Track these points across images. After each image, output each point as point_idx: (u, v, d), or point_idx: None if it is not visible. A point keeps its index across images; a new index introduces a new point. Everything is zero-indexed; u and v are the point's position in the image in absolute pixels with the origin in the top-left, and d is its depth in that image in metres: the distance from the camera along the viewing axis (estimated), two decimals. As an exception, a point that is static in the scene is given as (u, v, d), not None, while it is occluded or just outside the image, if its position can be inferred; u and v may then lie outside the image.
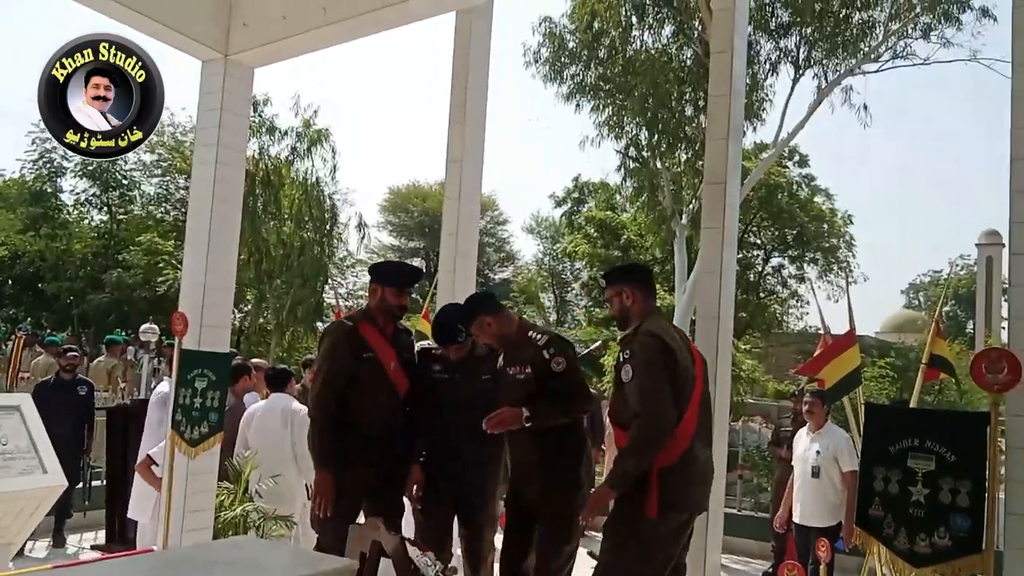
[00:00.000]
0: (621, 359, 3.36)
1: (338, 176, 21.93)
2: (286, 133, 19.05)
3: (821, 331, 5.88)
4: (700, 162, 16.02)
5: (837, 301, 26.37)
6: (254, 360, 7.48)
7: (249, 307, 19.39)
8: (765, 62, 16.49)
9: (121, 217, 24.07)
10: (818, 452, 5.88)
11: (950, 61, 16.23)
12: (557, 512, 3.77)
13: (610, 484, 3.34)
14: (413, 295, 4.30)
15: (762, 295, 26.22)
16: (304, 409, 5.95)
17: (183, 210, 23.91)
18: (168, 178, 24.79)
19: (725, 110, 4.36)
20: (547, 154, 66.81)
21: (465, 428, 3.91)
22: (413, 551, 3.14)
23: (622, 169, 17.85)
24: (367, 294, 4.21)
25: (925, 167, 75.00)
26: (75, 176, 23.37)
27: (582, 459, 3.87)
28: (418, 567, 3.09)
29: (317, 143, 19.01)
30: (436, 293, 5.61)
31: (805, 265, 26.18)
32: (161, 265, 20.03)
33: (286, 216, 18.96)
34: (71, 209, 24.02)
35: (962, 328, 40.95)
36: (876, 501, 3.05)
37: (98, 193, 24.14)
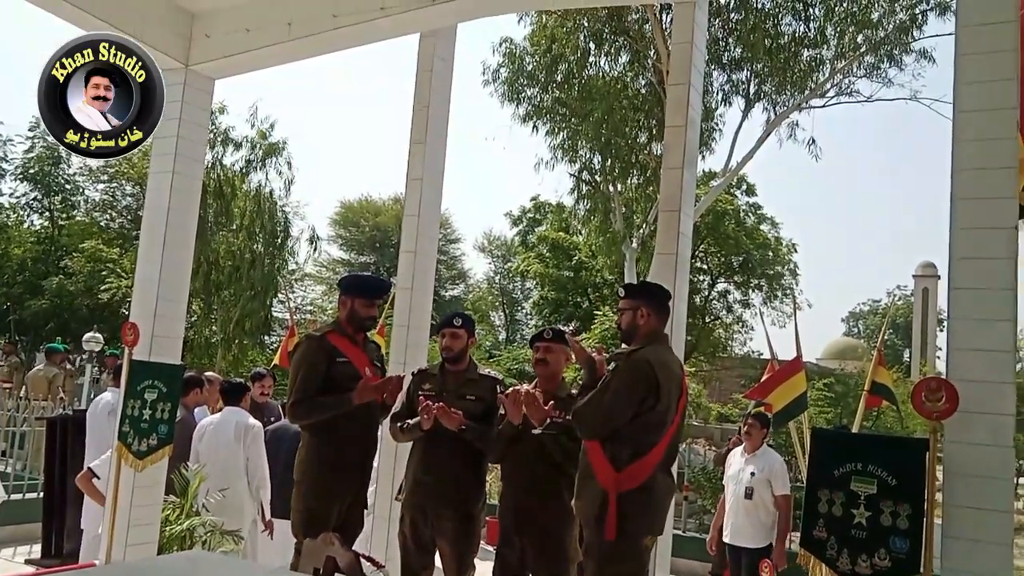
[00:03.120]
0: (607, 373, 3.42)
1: (291, 189, 21.77)
2: (240, 144, 18.85)
3: (764, 356, 6.03)
4: (651, 188, 16.33)
5: (783, 327, 26.97)
6: (207, 373, 7.36)
7: (196, 319, 19.02)
8: (717, 93, 16.91)
9: (63, 223, 23.43)
10: (752, 474, 5.95)
11: (892, 99, 16.93)
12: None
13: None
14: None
15: (707, 320, 26.63)
16: (258, 425, 5.89)
17: (129, 217, 23.38)
18: (115, 184, 24.26)
19: (681, 140, 4.51)
20: (500, 174, 67.15)
21: (447, 444, 4.05)
22: (367, 567, 3.15)
23: (575, 192, 18.10)
24: (337, 306, 4.26)
25: (866, 200, 77.54)
26: (15, 179, 22.73)
27: None
28: (372, 583, 3.10)
29: (272, 155, 18.86)
30: (393, 310, 5.62)
31: (750, 291, 26.72)
32: (104, 273, 19.52)
33: (236, 228, 18.68)
34: (10, 212, 23.29)
35: (899, 356, 42.16)
36: (820, 522, 3.15)
37: (39, 197, 23.47)
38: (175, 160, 5.01)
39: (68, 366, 12.36)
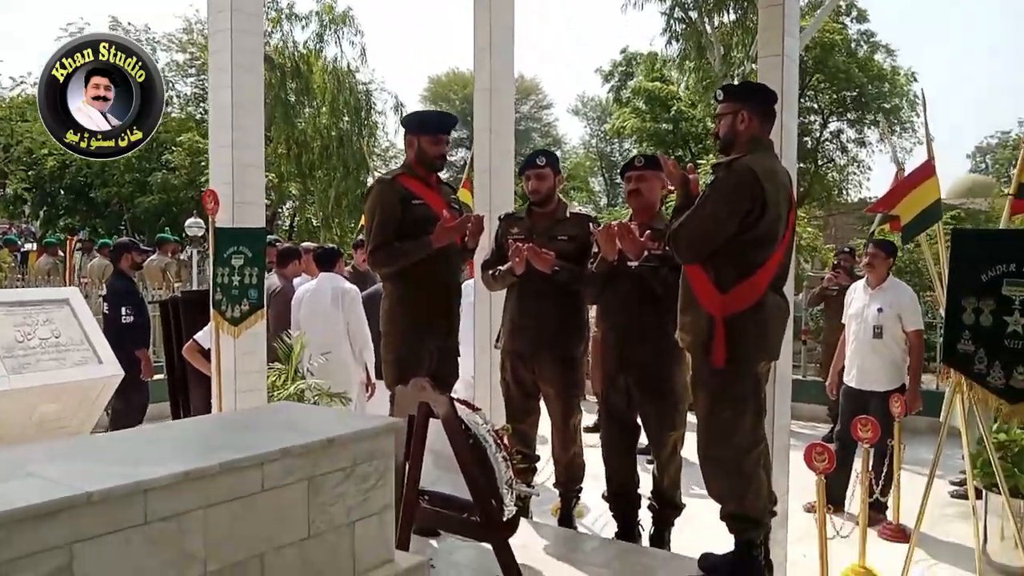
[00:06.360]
0: (704, 189, 3.07)
1: (370, 62, 21.52)
2: (308, 17, 18.52)
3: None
4: (750, 20, 15.11)
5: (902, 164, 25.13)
6: (304, 244, 7.39)
7: (296, 203, 19.40)
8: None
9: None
10: (879, 310, 5.41)
11: None
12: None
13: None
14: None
15: (820, 163, 25.10)
16: (354, 288, 5.85)
17: (222, 109, 23.62)
18: (203, 78, 24.48)
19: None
20: (587, 29, 64.40)
21: (542, 287, 3.89)
22: (463, 410, 3.00)
23: (667, 32, 16.96)
24: (404, 148, 4.01)
25: (991, 22, 70.43)
26: (105, 78, 23.16)
27: None
28: (468, 425, 2.94)
29: (341, 24, 18.44)
30: (473, 176, 5.33)
31: (865, 128, 24.87)
32: (203, 164, 19.96)
33: (318, 105, 18.63)
34: (109, 114, 23.96)
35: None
36: (966, 335, 2.79)
37: (133, 95, 23.97)
38: (231, 15, 4.71)
39: (180, 256, 12.80)
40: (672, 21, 16.73)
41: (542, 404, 4.17)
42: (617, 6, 36.14)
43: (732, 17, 15.86)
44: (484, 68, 4.60)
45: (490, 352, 4.49)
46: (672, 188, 3.61)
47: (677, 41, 17.01)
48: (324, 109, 18.38)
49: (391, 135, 25.05)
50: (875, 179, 34.96)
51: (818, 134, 24.56)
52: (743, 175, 2.91)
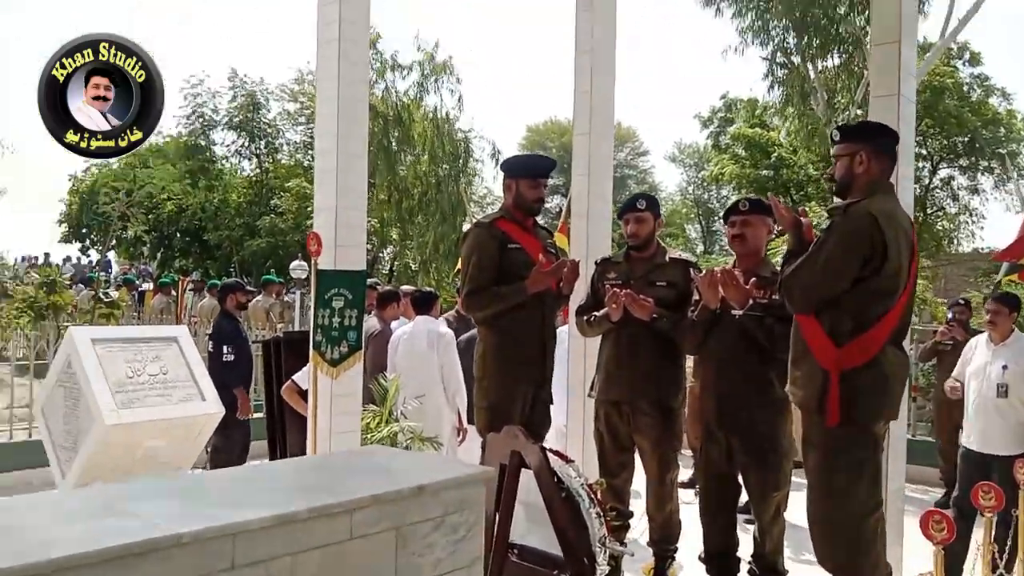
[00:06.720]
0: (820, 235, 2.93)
1: (468, 108, 22.23)
2: (410, 68, 19.20)
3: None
4: (856, 64, 14.71)
5: (1018, 212, 23.83)
6: (403, 287, 7.50)
7: (396, 248, 19.87)
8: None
9: (268, 166, 24.99)
10: (1004, 367, 5.03)
11: None
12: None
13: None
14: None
15: (929, 211, 24.01)
16: (449, 332, 5.86)
17: (329, 156, 24.55)
18: (312, 125, 25.49)
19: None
20: (685, 75, 64.18)
21: (640, 335, 3.80)
22: (556, 461, 2.90)
23: (769, 77, 16.68)
24: (503, 191, 4.04)
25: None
26: (223, 129, 24.36)
27: None
28: (560, 478, 2.84)
29: (441, 74, 19.04)
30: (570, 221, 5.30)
31: (979, 175, 23.72)
32: (310, 209, 20.62)
33: (419, 152, 19.15)
34: (223, 161, 25.16)
35: None
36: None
37: (246, 144, 25.09)
38: (339, 65, 4.86)
39: (284, 297, 13.21)
40: (774, 66, 16.43)
41: (637, 458, 4.03)
42: (717, 52, 35.94)
43: (836, 61, 15.46)
44: (584, 112, 4.59)
45: (583, 400, 4.39)
46: (778, 233, 3.47)
47: (779, 86, 16.68)
48: (424, 156, 18.91)
49: (488, 181, 25.55)
50: (989, 228, 33.10)
51: (927, 181, 23.54)
52: (861, 220, 2.75)
